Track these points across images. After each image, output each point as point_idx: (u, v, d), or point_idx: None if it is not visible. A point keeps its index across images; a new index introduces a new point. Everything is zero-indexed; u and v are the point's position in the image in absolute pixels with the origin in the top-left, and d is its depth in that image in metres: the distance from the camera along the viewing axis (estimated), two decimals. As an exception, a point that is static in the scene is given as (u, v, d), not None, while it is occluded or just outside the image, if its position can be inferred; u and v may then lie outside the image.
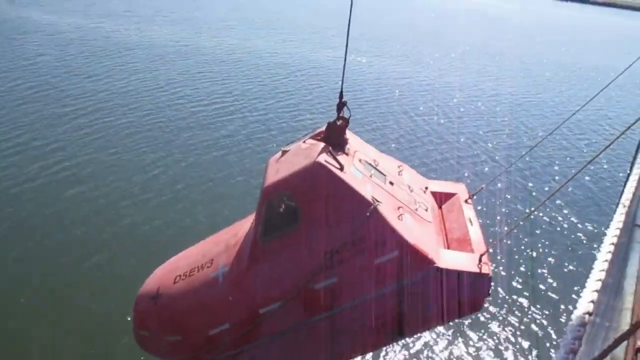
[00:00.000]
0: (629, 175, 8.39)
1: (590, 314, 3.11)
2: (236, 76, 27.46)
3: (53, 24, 35.02)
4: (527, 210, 15.70)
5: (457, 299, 5.03)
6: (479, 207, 15.29)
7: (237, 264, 5.82)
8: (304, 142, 5.62)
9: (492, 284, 5.07)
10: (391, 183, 5.68)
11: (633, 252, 3.71)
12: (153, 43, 32.77)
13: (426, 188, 6.23)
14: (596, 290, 3.32)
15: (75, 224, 12.84)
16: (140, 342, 6.50)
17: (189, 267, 6.47)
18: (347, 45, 5.57)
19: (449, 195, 6.36)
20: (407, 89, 29.19)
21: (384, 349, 6.79)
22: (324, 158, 5.28)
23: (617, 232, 4.79)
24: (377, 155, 6.16)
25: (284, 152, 5.74)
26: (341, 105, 5.69)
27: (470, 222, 5.52)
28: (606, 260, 3.85)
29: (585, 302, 3.21)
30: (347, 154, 5.61)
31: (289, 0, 67.13)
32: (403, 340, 6.00)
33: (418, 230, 5.22)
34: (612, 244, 4.26)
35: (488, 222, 13.97)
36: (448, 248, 5.41)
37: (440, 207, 6.23)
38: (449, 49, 44.50)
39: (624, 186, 8.64)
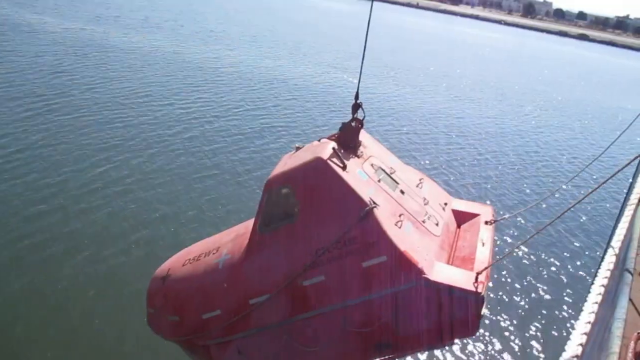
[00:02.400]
0: (619, 216, 8.45)
1: (578, 357, 3.15)
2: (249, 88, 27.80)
3: (36, 24, 35.14)
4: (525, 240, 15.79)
5: (447, 315, 4.80)
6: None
7: (237, 252, 5.91)
8: (319, 140, 5.67)
9: (487, 306, 4.89)
10: (402, 192, 5.60)
11: (622, 296, 3.76)
12: (171, 56, 33.10)
13: (445, 204, 6.08)
14: (585, 333, 3.36)
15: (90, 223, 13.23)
16: (148, 320, 6.90)
17: (199, 253, 6.64)
18: (365, 47, 5.71)
19: (471, 215, 6.13)
20: (424, 115, 29.72)
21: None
22: (327, 154, 5.28)
23: (607, 273, 4.83)
24: (397, 165, 6.09)
25: (297, 149, 5.78)
26: (356, 106, 5.67)
27: (483, 243, 5.33)
28: (596, 302, 3.90)
29: (574, 344, 3.25)
30: (358, 156, 5.62)
31: (284, 17, 67.96)
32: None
33: (417, 240, 5.09)
34: (602, 285, 4.31)
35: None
36: (450, 264, 5.21)
37: (459, 226, 6.06)
38: (471, 87, 45.02)
39: (614, 227, 8.68)
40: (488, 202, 18.24)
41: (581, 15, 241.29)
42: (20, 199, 13.85)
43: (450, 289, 4.70)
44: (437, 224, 5.55)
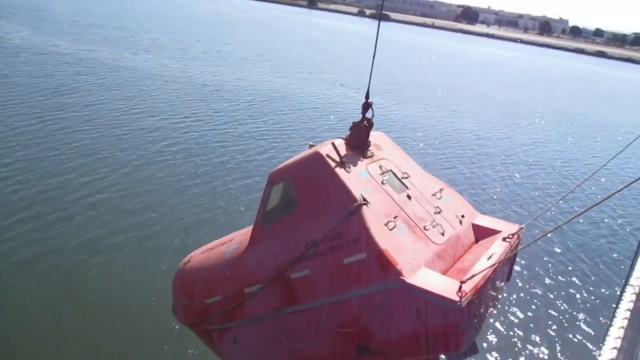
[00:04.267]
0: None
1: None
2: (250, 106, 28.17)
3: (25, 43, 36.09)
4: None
5: (425, 324, 4.59)
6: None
7: (244, 243, 6.12)
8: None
9: (471, 319, 4.57)
10: (408, 196, 5.57)
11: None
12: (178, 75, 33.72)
13: (463, 217, 5.94)
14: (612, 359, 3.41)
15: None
16: (172, 306, 7.28)
17: (218, 244, 6.95)
18: (376, 44, 5.82)
19: (492, 232, 5.89)
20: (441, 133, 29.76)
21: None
22: (326, 150, 5.38)
23: (633, 297, 4.83)
24: (415, 172, 6.08)
25: (310, 147, 5.91)
26: (366, 106, 5.69)
27: (489, 257, 5.06)
28: (622, 327, 3.93)
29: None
30: (367, 157, 5.68)
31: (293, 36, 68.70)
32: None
33: (407, 243, 4.97)
34: (628, 309, 4.33)
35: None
36: (443, 274, 4.98)
37: (477, 241, 5.90)
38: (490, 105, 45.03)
39: (638, 247, 8.62)
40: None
41: (598, 33, 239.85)
42: (32, 207, 14.52)
43: (427, 294, 4.49)
44: (442, 234, 5.44)
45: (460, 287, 4.44)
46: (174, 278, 7.19)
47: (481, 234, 5.95)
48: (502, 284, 5.94)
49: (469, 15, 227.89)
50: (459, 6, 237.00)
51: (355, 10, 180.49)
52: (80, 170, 17.57)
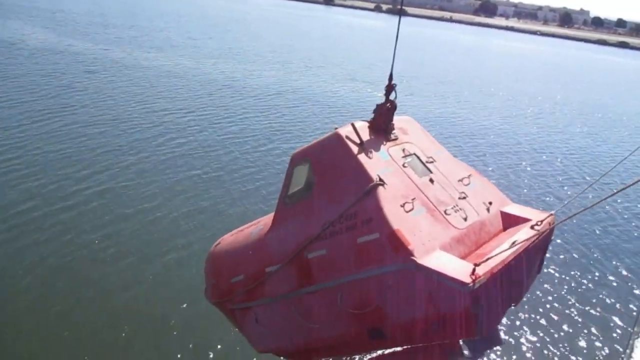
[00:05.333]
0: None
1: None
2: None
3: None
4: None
5: (437, 306, 4.47)
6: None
7: (268, 224, 6.20)
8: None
9: (487, 305, 4.40)
10: (431, 180, 5.46)
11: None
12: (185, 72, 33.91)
13: (491, 203, 5.75)
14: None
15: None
16: (205, 284, 7.44)
17: (246, 226, 7.11)
18: (399, 24, 5.81)
19: (522, 220, 5.67)
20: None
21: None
22: (346, 132, 5.35)
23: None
24: (442, 157, 5.97)
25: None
26: (389, 88, 5.60)
27: (513, 243, 4.85)
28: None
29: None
30: (390, 139, 5.61)
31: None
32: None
33: (423, 225, 4.88)
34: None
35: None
36: (463, 259, 4.81)
37: (504, 229, 5.70)
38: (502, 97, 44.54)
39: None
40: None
41: (620, 23, 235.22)
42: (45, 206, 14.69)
43: (438, 276, 4.37)
44: (465, 219, 5.30)
45: (473, 270, 4.29)
46: (206, 260, 7.36)
47: (511, 222, 5.74)
48: (530, 274, 5.66)
49: (488, 8, 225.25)
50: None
51: (372, 5, 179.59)
52: (99, 164, 17.95)
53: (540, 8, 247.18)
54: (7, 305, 10.96)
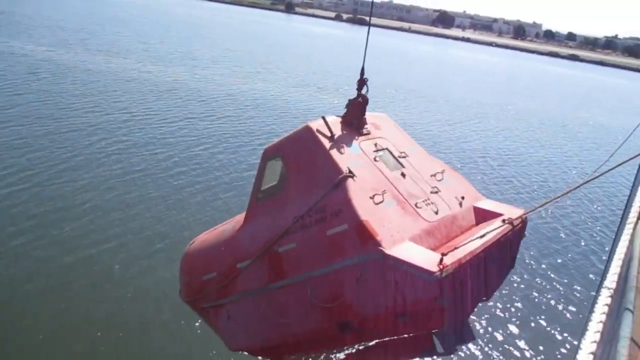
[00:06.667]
0: (617, 233, 8.42)
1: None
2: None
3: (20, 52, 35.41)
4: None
5: (404, 297, 4.41)
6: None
7: (240, 221, 6.18)
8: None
9: (455, 295, 4.37)
10: (402, 174, 5.47)
11: (626, 314, 3.75)
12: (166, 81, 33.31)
13: (463, 198, 5.77)
14: (591, 353, 3.34)
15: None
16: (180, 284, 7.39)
17: (221, 225, 7.09)
18: (369, 26, 5.88)
19: (494, 215, 5.69)
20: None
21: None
22: (317, 125, 5.37)
23: (610, 292, 4.81)
24: (415, 153, 5.97)
25: None
26: (361, 82, 5.61)
27: (482, 236, 4.85)
28: (600, 322, 3.88)
29: (585, 354, 3.22)
30: (362, 134, 5.61)
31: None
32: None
33: (393, 217, 4.87)
34: (606, 304, 4.29)
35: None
36: (434, 250, 4.79)
37: (477, 224, 5.72)
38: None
39: (613, 245, 8.65)
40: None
41: (571, 36, 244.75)
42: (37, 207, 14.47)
43: (405, 265, 4.34)
44: (436, 212, 5.31)
45: (441, 260, 4.26)
46: (181, 260, 7.30)
47: (484, 217, 5.77)
48: (502, 268, 5.67)
49: (445, 19, 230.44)
50: (435, 10, 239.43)
51: (332, 14, 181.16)
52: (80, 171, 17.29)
53: (495, 20, 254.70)
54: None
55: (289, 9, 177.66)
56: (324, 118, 5.44)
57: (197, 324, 9.29)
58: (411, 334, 4.74)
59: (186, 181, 18.47)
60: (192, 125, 25.71)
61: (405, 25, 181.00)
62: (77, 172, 17.71)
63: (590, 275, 16.05)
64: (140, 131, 23.46)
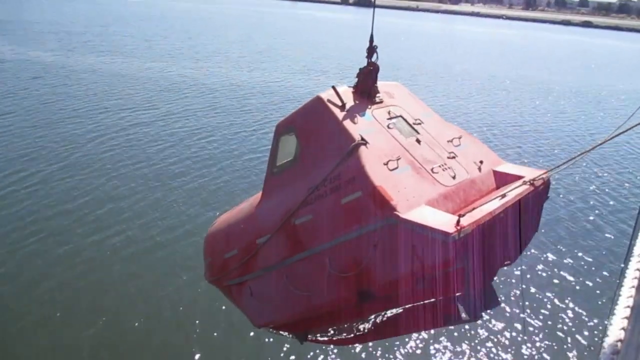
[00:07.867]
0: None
1: (622, 341, 3.02)
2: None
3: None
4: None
5: (421, 260, 4.30)
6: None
7: (258, 197, 6.17)
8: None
9: (473, 257, 4.27)
10: (418, 140, 5.36)
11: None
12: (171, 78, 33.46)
13: (482, 162, 5.60)
14: (626, 317, 3.24)
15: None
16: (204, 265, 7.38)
17: (241, 203, 7.02)
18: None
19: (516, 178, 5.47)
20: None
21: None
22: (327, 95, 5.30)
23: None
24: (430, 119, 5.86)
25: None
26: (371, 50, 5.50)
27: (502, 197, 4.70)
28: (633, 287, 3.76)
29: (617, 329, 3.11)
30: (375, 102, 5.53)
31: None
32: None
33: (408, 182, 4.78)
34: (638, 269, 4.17)
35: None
36: (453, 214, 4.63)
37: (497, 188, 5.52)
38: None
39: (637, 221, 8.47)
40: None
41: (583, 3, 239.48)
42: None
43: (421, 228, 4.23)
44: (453, 177, 5.19)
45: (458, 221, 4.14)
46: (204, 242, 7.32)
47: (505, 181, 5.57)
48: (525, 231, 5.46)
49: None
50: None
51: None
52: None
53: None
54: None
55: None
56: (334, 88, 5.36)
57: (223, 307, 9.57)
58: (433, 300, 4.62)
59: (202, 171, 18.97)
60: (211, 118, 26.14)
61: (413, 4, 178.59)
62: (105, 165, 18.61)
63: (619, 240, 15.76)
64: (161, 125, 24.09)
